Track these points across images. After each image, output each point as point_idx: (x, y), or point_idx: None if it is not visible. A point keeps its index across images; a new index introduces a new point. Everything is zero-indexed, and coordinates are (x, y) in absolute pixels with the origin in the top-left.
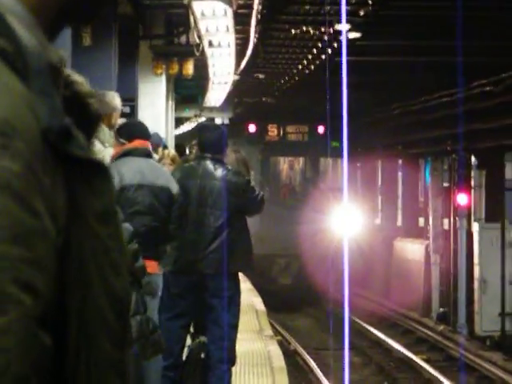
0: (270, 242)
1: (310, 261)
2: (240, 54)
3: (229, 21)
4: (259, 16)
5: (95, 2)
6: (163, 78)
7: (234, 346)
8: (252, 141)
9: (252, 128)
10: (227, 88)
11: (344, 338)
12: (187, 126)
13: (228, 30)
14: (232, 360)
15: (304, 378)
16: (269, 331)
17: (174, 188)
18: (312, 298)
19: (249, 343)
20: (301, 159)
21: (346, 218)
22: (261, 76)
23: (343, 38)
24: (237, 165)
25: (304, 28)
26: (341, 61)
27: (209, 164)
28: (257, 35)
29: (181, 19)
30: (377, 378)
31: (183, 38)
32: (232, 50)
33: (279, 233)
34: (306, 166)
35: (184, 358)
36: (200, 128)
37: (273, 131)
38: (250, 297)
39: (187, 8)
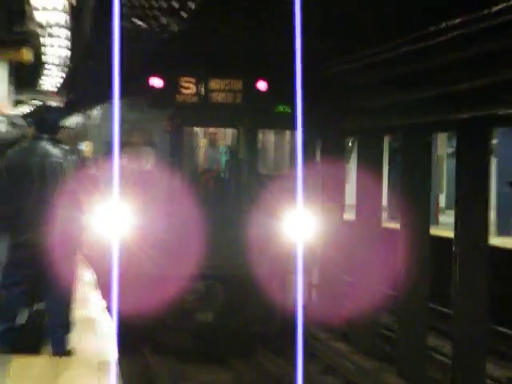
0: (181, 257)
1: (248, 284)
2: (78, 43)
3: (66, 15)
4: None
5: None
6: (5, 63)
7: (70, 312)
8: (157, 103)
9: (157, 82)
10: (63, 75)
11: None
12: (23, 109)
13: (66, 23)
14: (67, 326)
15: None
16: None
17: None
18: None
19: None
20: (231, 132)
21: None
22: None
23: None
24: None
25: None
26: None
27: (46, 144)
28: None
29: (21, 8)
30: None
31: (24, 27)
32: (68, 42)
33: (197, 241)
34: (240, 142)
35: (22, 322)
36: (39, 109)
37: (188, 88)
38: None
39: None
